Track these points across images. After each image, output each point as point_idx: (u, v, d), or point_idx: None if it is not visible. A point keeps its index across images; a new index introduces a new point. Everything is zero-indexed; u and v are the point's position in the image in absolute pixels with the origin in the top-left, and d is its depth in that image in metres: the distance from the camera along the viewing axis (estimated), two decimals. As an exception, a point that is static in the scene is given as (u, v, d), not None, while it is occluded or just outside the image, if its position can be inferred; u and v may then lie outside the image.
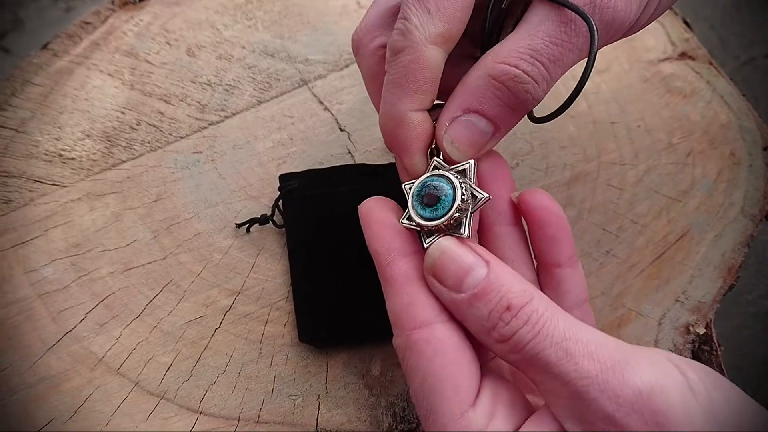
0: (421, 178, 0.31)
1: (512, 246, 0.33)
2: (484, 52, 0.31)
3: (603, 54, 0.55)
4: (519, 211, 0.33)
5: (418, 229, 0.30)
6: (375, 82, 0.34)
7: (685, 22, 0.57)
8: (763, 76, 1.40)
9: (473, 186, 0.30)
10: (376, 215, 0.31)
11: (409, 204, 0.31)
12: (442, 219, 0.29)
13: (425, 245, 0.30)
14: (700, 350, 0.42)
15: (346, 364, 0.40)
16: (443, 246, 0.29)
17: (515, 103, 0.29)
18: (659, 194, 0.47)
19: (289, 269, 0.42)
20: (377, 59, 0.33)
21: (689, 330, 0.42)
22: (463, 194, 0.30)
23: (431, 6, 0.29)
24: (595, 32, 0.28)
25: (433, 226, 0.29)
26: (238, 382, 0.39)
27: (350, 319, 0.40)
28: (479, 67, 0.30)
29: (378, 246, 0.31)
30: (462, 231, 0.30)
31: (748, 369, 1.11)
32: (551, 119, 0.33)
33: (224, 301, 0.41)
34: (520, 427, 0.27)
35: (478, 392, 0.27)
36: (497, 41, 0.31)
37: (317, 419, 0.38)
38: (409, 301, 0.29)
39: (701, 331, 0.42)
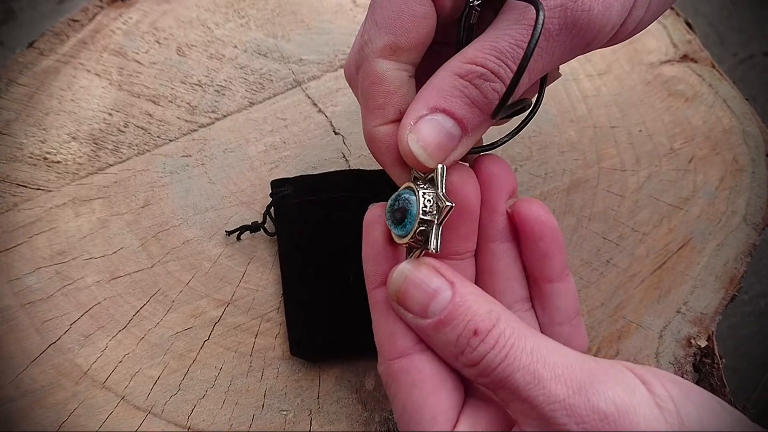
0: (395, 193, 0.30)
1: (509, 264, 0.32)
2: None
3: (603, 56, 0.53)
4: (513, 220, 0.32)
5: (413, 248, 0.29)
6: None
7: (687, 24, 0.56)
8: (762, 74, 1.39)
9: (441, 195, 0.28)
10: (373, 233, 0.31)
11: (387, 220, 0.30)
12: (408, 237, 0.28)
13: (406, 261, 0.29)
14: (702, 363, 0.41)
15: (339, 378, 0.39)
16: (405, 271, 0.28)
17: (482, 103, 0.28)
18: (660, 201, 0.46)
19: (281, 279, 0.41)
20: None
21: (691, 343, 0.41)
22: (424, 206, 0.28)
23: (378, 18, 0.29)
24: (541, 18, 0.26)
25: (404, 244, 0.29)
26: (228, 397, 0.38)
27: (344, 331, 0.39)
28: (446, 68, 0.29)
29: (367, 267, 0.31)
30: (429, 246, 0.28)
31: (744, 369, 1.11)
32: (503, 143, 0.33)
33: (213, 312, 0.40)
34: None
35: (458, 418, 0.28)
36: (466, 41, 0.30)
37: (309, 435, 0.37)
38: (390, 329, 0.29)
39: (703, 343, 0.41)
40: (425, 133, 0.28)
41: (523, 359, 0.25)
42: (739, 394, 1.07)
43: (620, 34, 0.30)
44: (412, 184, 0.29)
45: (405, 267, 0.29)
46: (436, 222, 0.28)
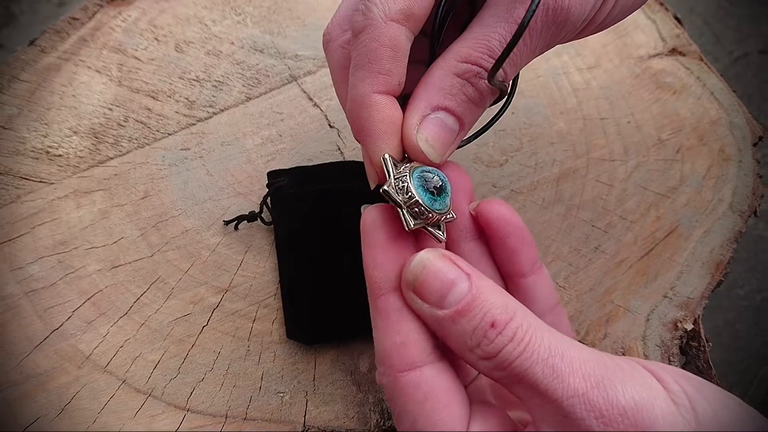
0: (414, 165, 0.30)
1: (477, 261, 0.32)
2: (433, 46, 0.31)
3: (593, 50, 0.54)
4: (478, 222, 0.32)
5: (401, 205, 0.29)
6: (341, 74, 0.33)
7: (676, 18, 0.57)
8: (757, 72, 1.40)
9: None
10: (378, 235, 0.29)
11: (408, 181, 0.29)
12: (444, 214, 0.29)
13: (411, 226, 0.28)
14: (688, 346, 0.42)
15: (334, 361, 0.40)
16: (424, 260, 0.28)
17: (478, 99, 0.30)
18: (648, 190, 0.47)
19: (278, 266, 0.42)
20: (345, 53, 0.33)
21: (677, 326, 0.42)
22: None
23: None
24: (531, 11, 0.27)
25: (431, 213, 0.29)
26: (226, 380, 0.39)
27: (338, 316, 0.40)
28: (441, 67, 0.30)
29: (375, 273, 0.29)
30: (441, 233, 0.29)
31: (739, 363, 1.12)
32: (476, 137, 0.34)
33: (212, 299, 0.41)
34: None
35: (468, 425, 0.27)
36: (441, 31, 0.31)
37: (305, 416, 0.38)
38: (401, 340, 0.28)
39: (689, 327, 0.42)
40: (432, 132, 0.30)
41: (541, 352, 0.25)
42: (736, 388, 1.08)
43: (589, 27, 0.31)
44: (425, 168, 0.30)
45: (424, 255, 0.28)
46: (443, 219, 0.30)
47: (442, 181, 0.30)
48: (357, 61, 0.29)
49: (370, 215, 0.30)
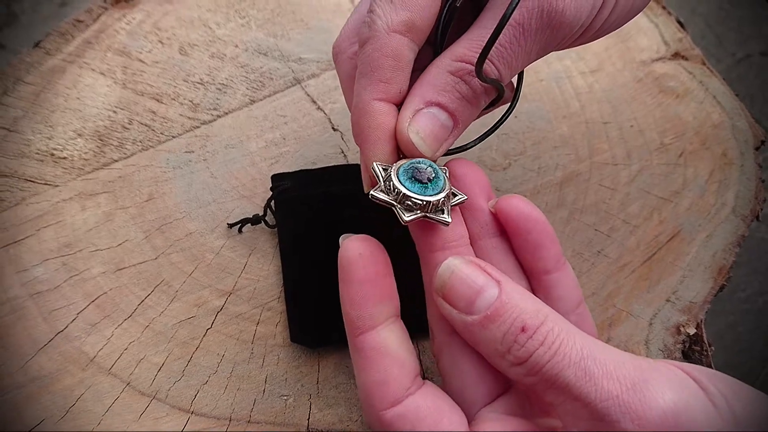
0: (404, 161, 0.31)
1: (501, 259, 0.32)
2: (436, 54, 0.32)
3: (596, 53, 0.55)
4: (498, 219, 0.33)
5: (394, 204, 0.29)
6: (349, 84, 0.34)
7: (679, 22, 0.57)
8: (759, 73, 1.40)
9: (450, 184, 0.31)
10: (354, 271, 0.29)
11: (393, 176, 0.30)
12: (436, 197, 0.29)
13: (405, 221, 0.29)
14: (691, 350, 0.42)
15: (337, 365, 0.40)
16: (452, 266, 0.28)
17: (471, 97, 0.31)
18: (651, 195, 0.47)
19: (281, 270, 0.42)
20: (353, 64, 0.33)
21: (680, 330, 0.42)
22: (448, 184, 0.30)
23: None
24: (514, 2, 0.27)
25: (422, 201, 0.29)
26: (230, 382, 0.39)
27: (342, 319, 0.40)
28: (437, 65, 0.31)
29: (351, 311, 0.29)
30: (445, 216, 0.29)
31: (741, 366, 1.11)
32: (480, 141, 0.35)
33: (216, 302, 0.41)
34: None
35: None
36: (443, 40, 0.32)
37: (309, 419, 0.38)
38: (381, 378, 0.28)
39: (692, 331, 0.42)
40: (423, 125, 0.30)
41: (573, 356, 0.25)
42: (737, 390, 1.08)
43: (588, 32, 0.32)
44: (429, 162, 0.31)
45: (452, 262, 0.28)
46: (449, 204, 0.30)
47: (431, 167, 0.30)
48: (360, 70, 0.31)
49: (347, 250, 0.29)
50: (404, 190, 0.29)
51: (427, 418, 0.27)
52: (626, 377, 0.24)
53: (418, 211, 0.29)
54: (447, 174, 0.32)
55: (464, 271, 0.28)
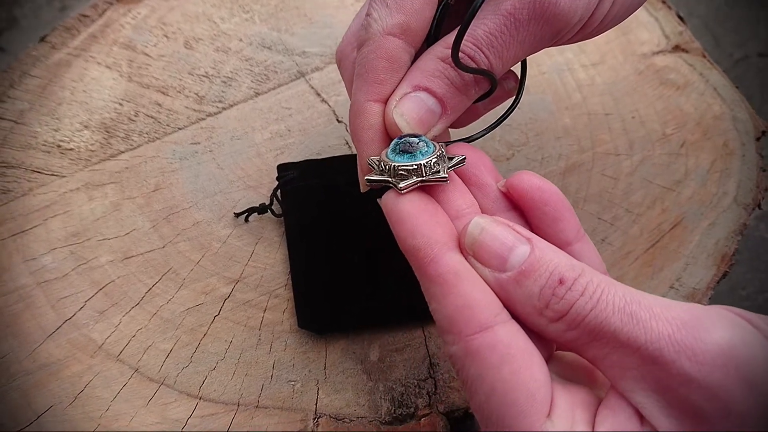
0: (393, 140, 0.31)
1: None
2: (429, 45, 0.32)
3: (597, 46, 0.55)
4: (511, 198, 0.32)
5: (389, 180, 0.29)
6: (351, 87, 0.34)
7: (679, 16, 0.58)
8: (757, 74, 1.41)
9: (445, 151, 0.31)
10: (403, 207, 0.29)
11: (382, 156, 0.30)
12: (430, 156, 0.29)
13: (400, 188, 0.28)
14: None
15: (344, 350, 0.40)
16: (482, 224, 0.27)
17: (460, 83, 0.31)
18: (653, 184, 0.48)
19: (288, 257, 0.42)
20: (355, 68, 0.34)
21: (683, 316, 0.42)
22: (443, 148, 0.30)
23: (389, 0, 0.30)
24: None
25: (411, 166, 0.28)
26: (238, 368, 0.39)
27: (348, 305, 0.40)
28: (428, 53, 0.31)
29: (416, 241, 0.27)
30: (442, 174, 0.29)
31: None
32: (482, 136, 0.35)
33: (223, 289, 0.42)
34: (594, 426, 0.24)
35: (552, 398, 0.25)
36: (436, 38, 0.32)
37: (316, 404, 0.38)
38: (463, 302, 0.26)
39: (695, 317, 0.42)
40: (408, 107, 0.31)
41: (616, 302, 0.24)
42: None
43: (588, 26, 0.32)
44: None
45: (480, 220, 0.27)
46: (447, 166, 0.30)
47: (422, 141, 0.30)
48: (357, 72, 0.32)
49: (389, 198, 0.29)
50: (393, 162, 0.29)
51: (518, 356, 0.25)
52: (676, 318, 0.23)
53: (414, 176, 0.29)
54: (443, 146, 0.31)
55: (495, 228, 0.27)
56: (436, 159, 0.29)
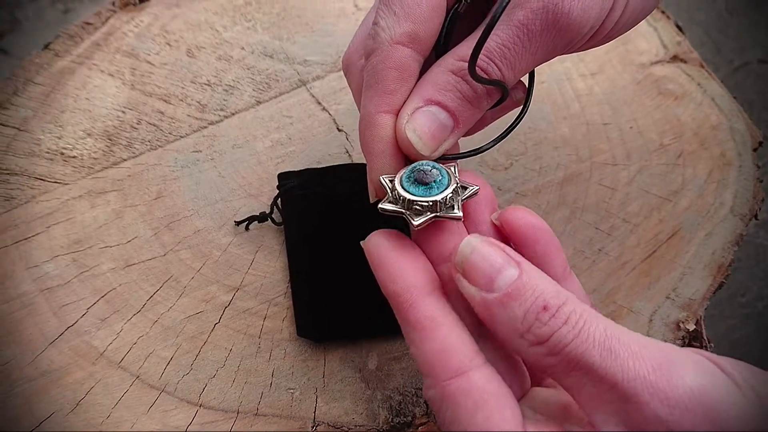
0: (408, 167, 0.31)
1: None
2: (439, 55, 0.32)
3: (596, 56, 0.55)
4: (503, 232, 0.32)
5: (402, 211, 0.30)
6: (359, 97, 0.34)
7: (677, 26, 0.58)
8: (757, 81, 1.41)
9: (459, 179, 0.31)
10: (384, 252, 0.29)
11: (397, 185, 0.30)
12: (441, 195, 0.29)
13: (415, 225, 0.29)
14: (690, 346, 0.43)
15: (343, 359, 0.41)
16: (473, 243, 0.27)
17: (472, 97, 0.31)
18: (650, 194, 0.48)
19: (288, 266, 0.43)
20: (363, 77, 0.33)
21: (680, 326, 0.43)
22: (456, 178, 0.30)
23: (396, 8, 0.30)
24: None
25: (428, 202, 0.29)
26: (238, 376, 0.40)
27: (347, 314, 0.41)
28: (439, 65, 0.31)
29: (396, 286, 0.28)
30: (456, 212, 0.29)
31: (740, 370, 1.12)
32: (490, 147, 0.34)
33: (224, 297, 0.42)
34: None
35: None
36: (446, 46, 0.32)
37: (315, 412, 0.39)
38: (440, 347, 0.27)
39: (691, 327, 0.42)
40: (421, 123, 0.30)
41: (597, 336, 0.24)
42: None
43: (598, 35, 0.32)
44: (434, 163, 0.31)
45: (472, 239, 0.28)
46: (461, 198, 0.30)
47: (435, 168, 0.30)
48: (366, 82, 0.31)
49: (370, 240, 0.30)
50: (408, 196, 0.29)
51: (491, 403, 0.26)
52: (651, 358, 0.24)
53: (428, 213, 0.29)
54: (456, 170, 0.32)
55: (486, 248, 0.27)
56: (451, 194, 0.29)
